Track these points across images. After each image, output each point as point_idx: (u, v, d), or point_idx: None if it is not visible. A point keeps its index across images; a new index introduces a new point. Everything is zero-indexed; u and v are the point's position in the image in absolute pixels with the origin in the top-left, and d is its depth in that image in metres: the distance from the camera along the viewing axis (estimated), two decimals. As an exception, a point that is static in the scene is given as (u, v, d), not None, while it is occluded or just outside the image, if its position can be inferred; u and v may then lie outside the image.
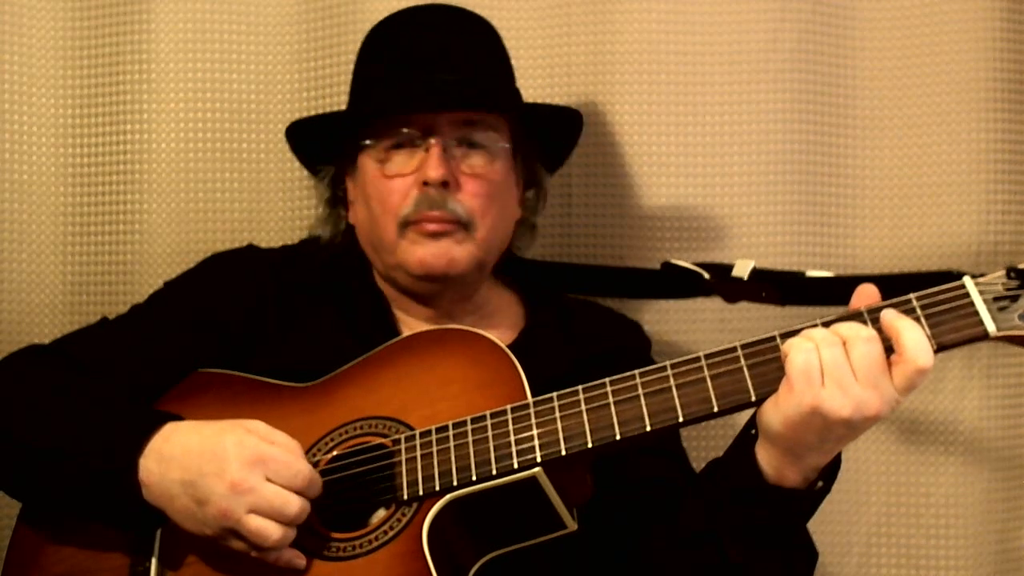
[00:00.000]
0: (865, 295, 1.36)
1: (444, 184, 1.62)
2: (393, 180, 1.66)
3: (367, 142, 1.68)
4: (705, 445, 1.97)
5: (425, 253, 1.63)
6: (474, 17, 1.75)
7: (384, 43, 1.74)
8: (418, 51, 1.69)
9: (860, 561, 2.02)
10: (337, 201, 1.80)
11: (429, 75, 1.66)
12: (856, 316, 1.34)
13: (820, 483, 1.38)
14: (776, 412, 1.32)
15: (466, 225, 1.64)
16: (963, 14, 2.05)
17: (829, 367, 1.28)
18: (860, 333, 1.30)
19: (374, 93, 1.71)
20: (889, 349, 1.30)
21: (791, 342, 1.32)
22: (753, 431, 1.38)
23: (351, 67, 2.03)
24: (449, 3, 1.77)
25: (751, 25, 2.06)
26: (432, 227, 1.63)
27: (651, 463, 1.64)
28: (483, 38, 1.75)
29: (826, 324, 1.33)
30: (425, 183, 1.62)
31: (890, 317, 1.30)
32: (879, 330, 1.30)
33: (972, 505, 2.02)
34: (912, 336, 1.28)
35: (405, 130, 1.66)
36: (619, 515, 1.60)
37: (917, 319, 1.31)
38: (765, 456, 1.37)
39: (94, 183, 2.12)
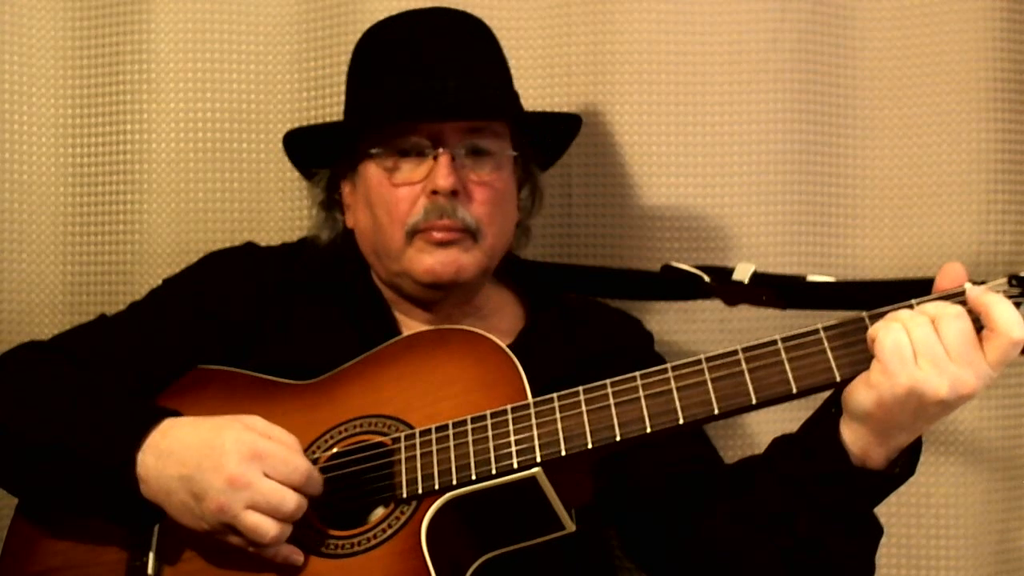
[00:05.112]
0: (951, 275, 1.35)
1: (453, 193, 1.62)
2: (400, 188, 1.65)
3: (373, 150, 1.67)
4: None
5: (433, 262, 1.63)
6: (473, 20, 1.74)
7: (385, 48, 1.72)
8: (422, 57, 1.68)
9: (860, 561, 2.02)
10: (332, 204, 1.79)
11: (437, 82, 1.65)
12: (940, 299, 1.32)
13: (897, 468, 1.37)
14: (868, 393, 1.30)
15: (474, 233, 1.64)
16: (963, 14, 2.05)
17: (921, 346, 1.26)
18: (948, 310, 1.28)
19: (380, 100, 1.69)
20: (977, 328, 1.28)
21: (878, 325, 1.30)
22: (833, 409, 1.37)
23: (351, 67, 2.03)
24: (448, 5, 1.76)
25: (751, 25, 2.05)
26: (440, 235, 1.63)
27: (688, 445, 1.63)
28: (483, 42, 1.74)
29: (908, 307, 1.32)
30: (434, 192, 1.62)
31: (976, 293, 1.29)
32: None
33: (972, 505, 2.02)
34: (1003, 309, 1.26)
35: (413, 138, 1.65)
36: (658, 499, 1.60)
37: None
38: (851, 436, 1.35)
39: (94, 183, 2.12)
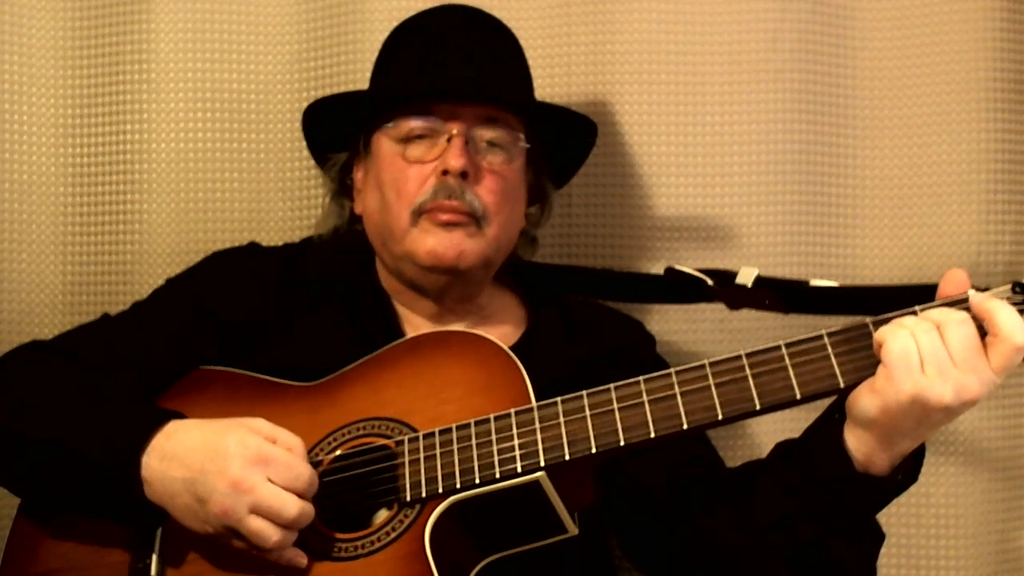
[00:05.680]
0: (955, 281, 1.35)
1: (463, 175, 1.63)
2: (412, 167, 1.66)
3: (389, 125, 1.68)
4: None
5: (436, 243, 1.63)
6: (498, 22, 1.76)
7: (411, 37, 1.74)
8: (446, 46, 1.70)
9: (860, 561, 2.03)
10: (343, 191, 1.80)
11: (458, 69, 1.67)
12: (944, 305, 1.33)
13: (900, 475, 1.37)
14: (872, 399, 1.30)
15: (479, 220, 1.64)
16: (963, 14, 2.05)
17: (927, 353, 1.27)
18: (952, 317, 1.29)
19: (401, 78, 1.71)
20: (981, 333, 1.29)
21: (885, 330, 1.31)
22: (837, 415, 1.38)
23: (351, 67, 2.04)
24: (464, 4, 1.78)
25: (751, 25, 2.05)
26: (446, 217, 1.63)
27: (689, 448, 1.63)
28: (506, 42, 1.76)
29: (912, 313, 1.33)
30: (445, 172, 1.63)
31: (980, 299, 1.30)
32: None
33: (972, 505, 2.02)
34: (1007, 315, 1.27)
35: (429, 119, 1.66)
36: (659, 501, 1.61)
37: None
38: (855, 442, 1.35)
39: (94, 183, 2.12)
